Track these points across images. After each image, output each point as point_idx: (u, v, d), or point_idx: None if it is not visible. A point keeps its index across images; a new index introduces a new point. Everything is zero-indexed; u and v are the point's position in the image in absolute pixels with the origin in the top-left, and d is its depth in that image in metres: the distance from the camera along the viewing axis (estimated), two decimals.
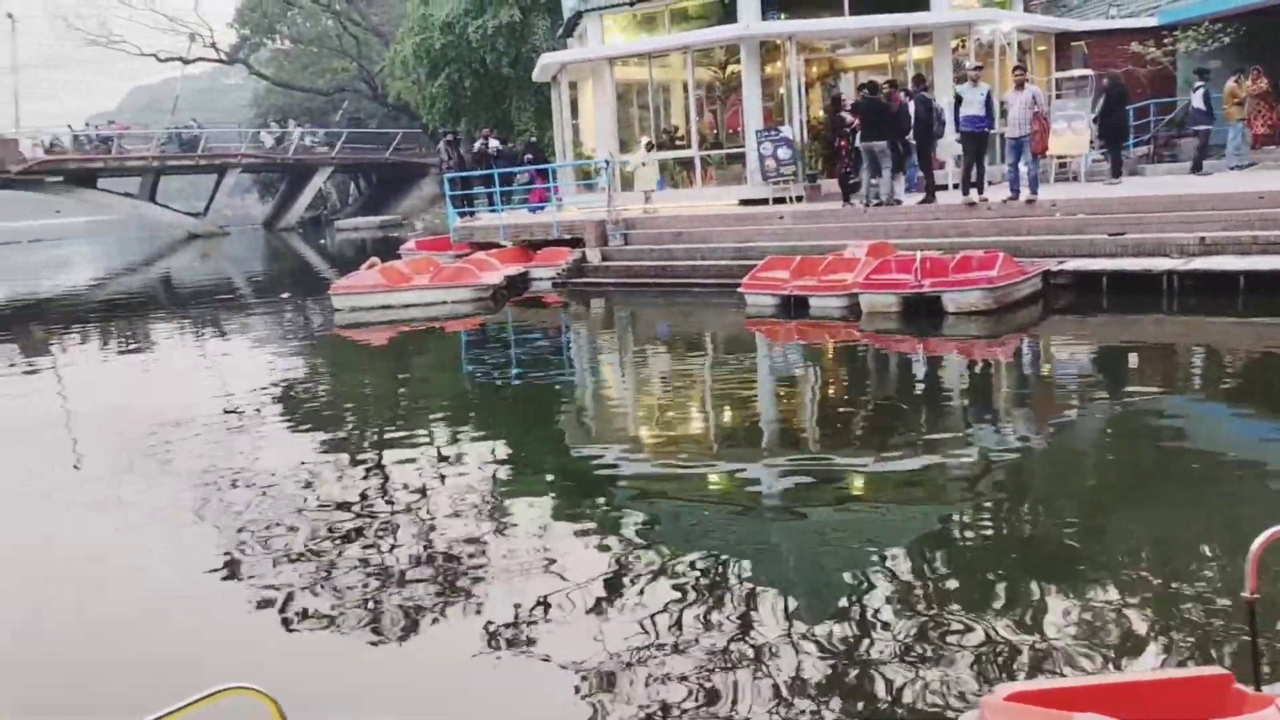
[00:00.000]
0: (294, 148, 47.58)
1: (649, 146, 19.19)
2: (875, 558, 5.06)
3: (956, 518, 5.65)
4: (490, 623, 4.48)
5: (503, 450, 7.83)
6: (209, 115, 58.62)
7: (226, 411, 9.56)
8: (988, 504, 5.89)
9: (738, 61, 19.58)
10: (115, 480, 7.38)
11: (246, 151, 46.33)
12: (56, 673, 4.43)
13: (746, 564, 5.07)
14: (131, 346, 15.37)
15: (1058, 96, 17.40)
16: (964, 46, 18.75)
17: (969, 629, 4.16)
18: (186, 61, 53.12)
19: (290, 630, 4.64)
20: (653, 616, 4.43)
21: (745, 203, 18.14)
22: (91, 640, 4.70)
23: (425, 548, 5.51)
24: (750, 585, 4.78)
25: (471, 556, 5.29)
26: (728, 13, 19.67)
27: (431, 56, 33.37)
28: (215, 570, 5.32)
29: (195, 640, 4.62)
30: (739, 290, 13.06)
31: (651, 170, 18.77)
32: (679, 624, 4.36)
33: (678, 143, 20.47)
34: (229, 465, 7.54)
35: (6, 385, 12.13)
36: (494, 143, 22.53)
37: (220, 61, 56.13)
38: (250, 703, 2.02)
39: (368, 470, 7.36)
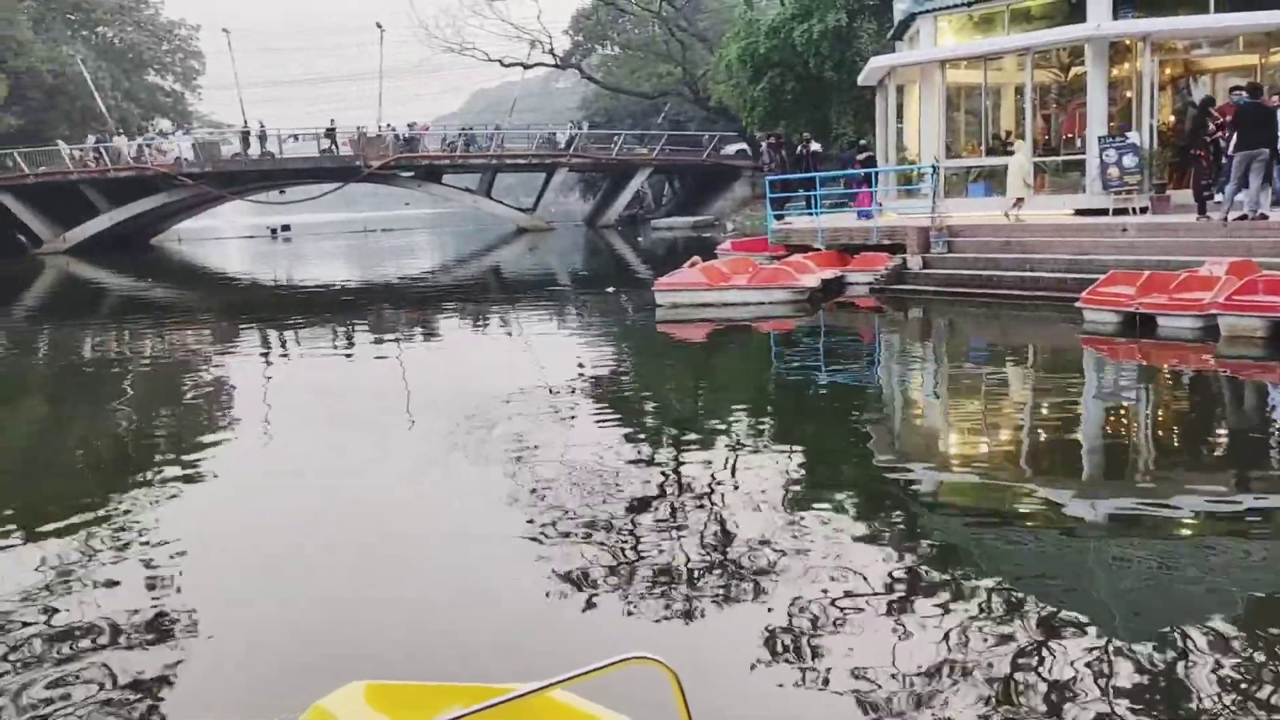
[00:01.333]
0: (618, 149, 49.74)
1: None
2: (1202, 599, 4.60)
3: None
4: (777, 627, 4.42)
5: (803, 452, 7.77)
6: (540, 117, 62.46)
7: (551, 393, 10.12)
8: None
9: (1081, 63, 18.47)
10: (443, 449, 7.91)
11: (576, 152, 48.92)
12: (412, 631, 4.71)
13: (1050, 594, 4.72)
14: (466, 329, 16.67)
15: None
16: None
17: None
18: (526, 66, 56.82)
19: (582, 612, 4.73)
20: (945, 638, 4.22)
21: (1081, 213, 17.10)
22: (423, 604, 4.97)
23: (718, 543, 5.51)
24: (1053, 617, 4.43)
25: (763, 557, 5.24)
26: (1074, 11, 18.59)
27: (755, 60, 33.82)
28: (523, 547, 5.52)
29: (500, 612, 4.79)
30: (1077, 305, 12.30)
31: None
32: (970, 649, 4.12)
33: (1009, 149, 19.57)
34: (545, 444, 7.83)
35: (358, 360, 13.51)
36: (815, 145, 22.54)
37: (555, 66, 59.66)
38: (648, 672, 1.97)
39: (672, 459, 7.49)
